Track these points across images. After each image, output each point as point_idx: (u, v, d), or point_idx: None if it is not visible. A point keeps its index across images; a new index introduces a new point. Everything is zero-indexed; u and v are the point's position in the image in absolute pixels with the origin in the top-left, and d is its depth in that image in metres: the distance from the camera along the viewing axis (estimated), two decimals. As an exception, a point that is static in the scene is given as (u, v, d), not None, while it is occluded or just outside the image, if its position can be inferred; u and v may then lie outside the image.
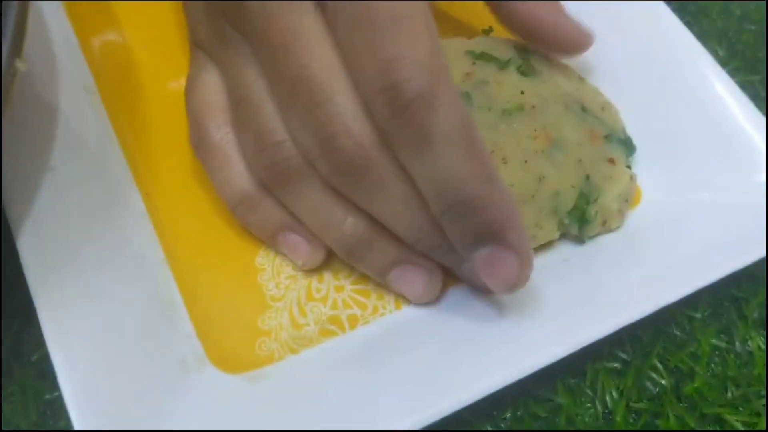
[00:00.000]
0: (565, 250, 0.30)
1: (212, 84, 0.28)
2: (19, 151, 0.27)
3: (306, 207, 0.27)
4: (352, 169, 0.24)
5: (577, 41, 0.31)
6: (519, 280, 0.25)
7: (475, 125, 0.24)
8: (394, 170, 0.25)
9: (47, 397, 0.26)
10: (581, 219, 0.29)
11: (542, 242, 0.29)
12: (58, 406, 0.26)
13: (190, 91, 0.28)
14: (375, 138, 0.24)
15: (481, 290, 0.28)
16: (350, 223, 0.26)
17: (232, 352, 0.26)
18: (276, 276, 0.28)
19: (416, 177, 0.24)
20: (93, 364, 0.24)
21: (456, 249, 0.25)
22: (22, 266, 0.25)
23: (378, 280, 0.28)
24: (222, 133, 0.27)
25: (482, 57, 0.30)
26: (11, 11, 0.23)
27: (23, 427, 0.26)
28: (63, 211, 0.27)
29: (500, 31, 0.34)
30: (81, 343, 0.24)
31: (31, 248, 0.25)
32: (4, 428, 0.25)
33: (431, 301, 0.28)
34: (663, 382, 0.29)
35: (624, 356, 0.29)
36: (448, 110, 0.23)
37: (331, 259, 0.28)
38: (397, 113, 0.23)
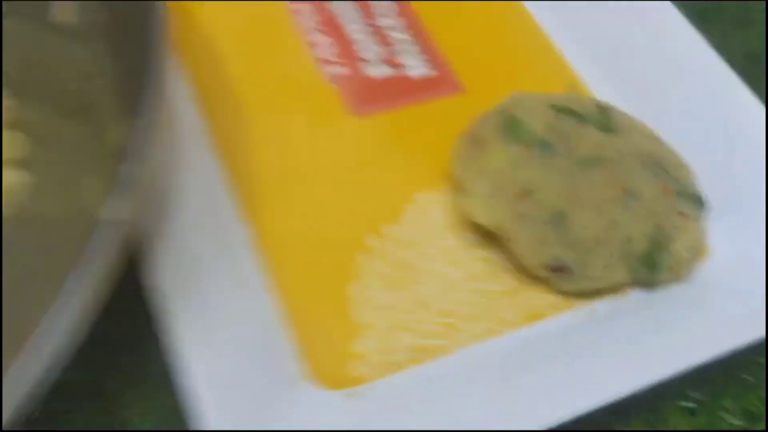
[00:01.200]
0: (634, 296, 0.32)
1: None
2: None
3: None
4: None
5: None
6: None
7: None
8: None
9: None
10: (651, 265, 0.31)
11: (611, 283, 0.31)
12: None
13: None
14: None
15: None
16: None
17: (328, 371, 0.29)
18: (366, 304, 0.31)
19: None
20: (222, 379, 0.27)
21: None
22: (155, 297, 0.28)
23: None
24: None
25: (564, 110, 0.33)
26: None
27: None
28: (188, 249, 0.30)
29: (581, 90, 0.37)
30: (210, 363, 0.27)
31: (166, 282, 0.29)
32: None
33: None
34: (735, 422, 0.30)
35: (697, 396, 0.30)
36: None
37: (420, 290, 0.31)
38: None
